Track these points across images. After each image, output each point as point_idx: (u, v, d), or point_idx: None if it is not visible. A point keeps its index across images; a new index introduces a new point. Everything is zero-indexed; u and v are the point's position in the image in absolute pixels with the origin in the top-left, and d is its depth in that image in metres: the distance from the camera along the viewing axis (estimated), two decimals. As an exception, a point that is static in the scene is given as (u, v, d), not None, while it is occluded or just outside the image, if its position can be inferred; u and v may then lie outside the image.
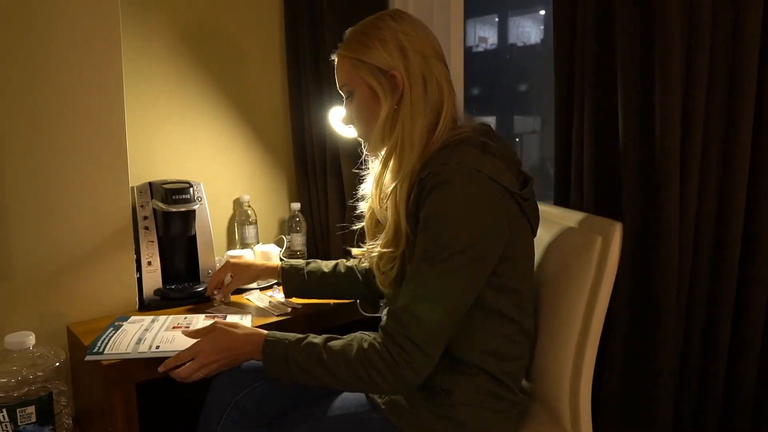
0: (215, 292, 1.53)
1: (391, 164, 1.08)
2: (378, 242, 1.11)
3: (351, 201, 1.32)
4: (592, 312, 1.09)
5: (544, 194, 2.13)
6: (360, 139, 1.19)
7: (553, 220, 1.23)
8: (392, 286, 1.11)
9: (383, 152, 1.10)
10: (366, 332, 1.04)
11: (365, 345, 0.99)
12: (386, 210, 1.10)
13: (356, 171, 1.24)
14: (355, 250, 1.28)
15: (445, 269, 0.97)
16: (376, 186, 1.14)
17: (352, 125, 1.18)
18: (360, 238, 1.25)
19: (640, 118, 1.19)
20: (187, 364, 1.12)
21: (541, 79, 2.83)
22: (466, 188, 0.98)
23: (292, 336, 1.07)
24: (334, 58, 1.15)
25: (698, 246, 1.18)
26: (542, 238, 1.22)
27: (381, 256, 1.11)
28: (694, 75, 1.13)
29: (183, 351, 1.13)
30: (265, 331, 1.10)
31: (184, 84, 1.83)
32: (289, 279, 1.44)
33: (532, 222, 1.10)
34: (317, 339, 1.04)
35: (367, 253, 1.21)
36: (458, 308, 1.00)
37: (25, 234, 1.41)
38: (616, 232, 1.09)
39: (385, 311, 1.15)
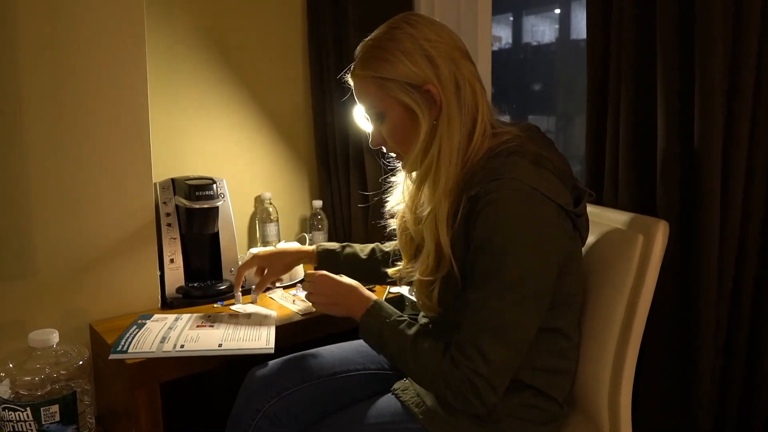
0: (252, 290, 1.40)
1: (428, 182, 0.99)
2: (416, 266, 1.04)
3: (379, 222, 1.26)
4: (633, 313, 1.05)
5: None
6: (390, 155, 1.11)
7: (590, 219, 1.19)
8: (436, 310, 1.04)
9: (420, 170, 1.01)
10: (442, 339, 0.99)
11: (445, 363, 0.95)
12: (423, 231, 1.01)
13: (375, 192, 1.19)
14: (390, 270, 1.20)
15: (512, 301, 0.91)
16: (410, 205, 1.06)
17: (383, 146, 1.08)
18: (395, 257, 1.20)
19: (680, 117, 1.15)
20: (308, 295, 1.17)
21: (556, 79, 2.80)
22: (525, 212, 0.91)
23: (390, 314, 1.06)
24: (349, 80, 1.06)
25: (742, 249, 1.14)
26: (578, 237, 1.18)
27: (420, 282, 1.03)
28: (739, 75, 1.08)
29: (308, 273, 1.19)
30: (372, 297, 1.10)
31: (206, 81, 1.81)
32: (326, 264, 1.35)
33: (583, 236, 1.06)
34: (410, 330, 1.02)
35: (402, 274, 1.14)
36: (526, 338, 0.95)
37: (49, 231, 1.39)
38: (660, 230, 1.05)
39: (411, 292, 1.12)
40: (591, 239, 1.15)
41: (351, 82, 1.06)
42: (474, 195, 0.93)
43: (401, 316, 1.06)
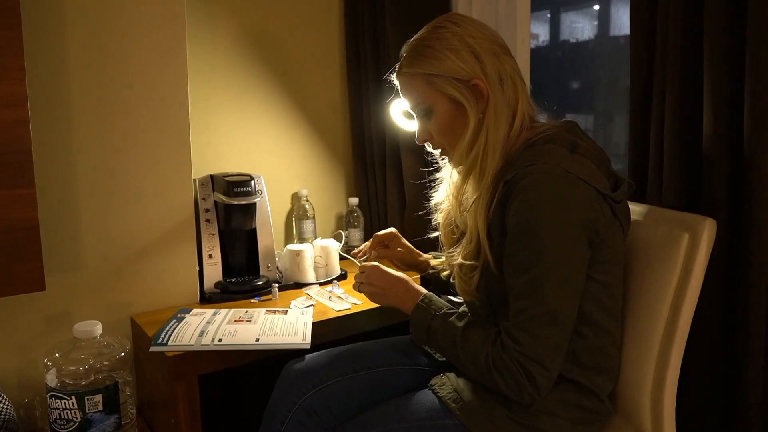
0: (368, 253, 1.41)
1: (473, 173, 1.03)
2: (458, 250, 1.07)
3: (419, 212, 1.31)
4: (678, 314, 1.02)
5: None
6: (435, 151, 1.15)
7: (633, 217, 1.16)
8: (473, 294, 1.07)
9: (466, 162, 1.04)
10: (490, 327, 1.01)
11: (495, 350, 0.96)
12: (467, 218, 1.06)
13: (420, 181, 1.23)
14: (434, 261, 1.25)
15: (556, 283, 0.92)
16: (456, 196, 1.10)
17: (429, 142, 1.12)
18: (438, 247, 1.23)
19: (729, 112, 1.11)
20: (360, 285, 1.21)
21: (595, 76, 2.74)
22: (558, 193, 0.92)
23: (439, 307, 1.08)
24: (395, 78, 1.10)
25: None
26: (620, 235, 1.15)
27: (461, 265, 1.06)
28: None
29: (362, 265, 1.23)
30: (423, 290, 1.13)
31: (245, 79, 1.83)
32: (431, 280, 1.38)
33: (624, 225, 1.04)
34: (460, 322, 1.03)
35: (447, 261, 1.18)
36: (570, 317, 0.96)
37: (95, 227, 1.43)
38: (706, 228, 1.01)
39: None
40: (635, 237, 1.12)
41: (397, 81, 1.10)
42: (510, 180, 0.96)
43: (451, 309, 1.07)
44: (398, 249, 1.41)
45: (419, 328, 1.08)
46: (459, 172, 1.07)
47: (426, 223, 1.26)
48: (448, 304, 1.09)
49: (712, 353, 1.16)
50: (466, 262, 1.04)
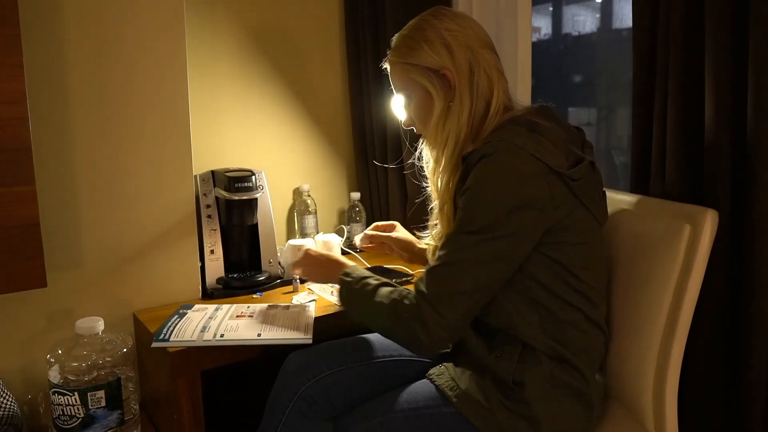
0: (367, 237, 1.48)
1: (444, 155, 1.11)
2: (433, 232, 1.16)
3: (418, 199, 1.37)
4: (680, 307, 1.01)
5: (613, 183, 2.02)
6: (420, 135, 1.22)
7: (634, 209, 1.16)
8: None
9: (437, 145, 1.13)
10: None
11: (399, 296, 1.03)
12: (441, 200, 1.14)
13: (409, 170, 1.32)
14: (422, 242, 1.31)
15: (474, 240, 0.97)
16: (432, 179, 1.18)
17: (413, 126, 1.20)
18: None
19: (731, 104, 1.10)
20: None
21: (597, 69, 2.73)
22: (504, 163, 0.97)
23: (362, 274, 1.14)
24: (386, 66, 1.18)
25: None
26: (619, 226, 1.14)
27: (436, 246, 1.13)
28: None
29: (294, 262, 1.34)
30: (349, 263, 1.21)
31: (246, 75, 1.83)
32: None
33: (588, 206, 1.03)
34: (375, 281, 1.10)
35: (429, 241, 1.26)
36: (484, 280, 0.99)
37: (96, 224, 1.43)
38: (708, 220, 1.01)
39: None
40: (636, 229, 1.12)
41: (387, 68, 1.19)
42: (467, 156, 1.04)
43: (371, 276, 1.12)
44: (397, 236, 1.45)
45: (342, 291, 1.15)
46: (432, 157, 1.17)
47: (425, 211, 1.28)
48: (372, 274, 1.14)
49: (714, 345, 1.15)
50: (440, 242, 1.08)
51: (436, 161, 1.15)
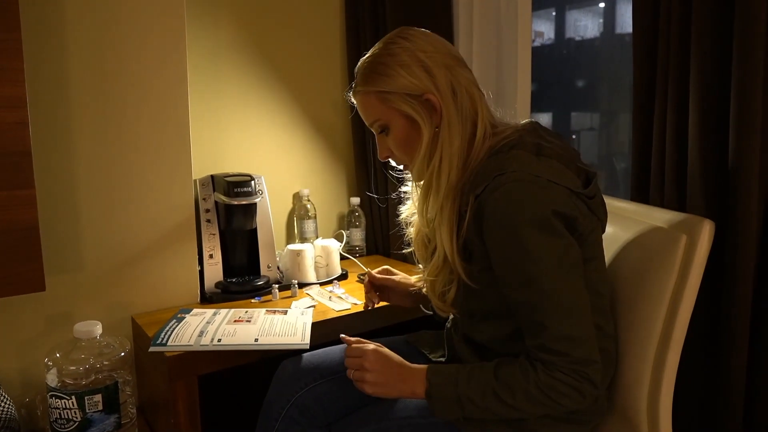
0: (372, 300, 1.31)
1: (433, 186, 1.01)
2: (428, 267, 1.05)
3: (392, 231, 1.28)
4: (675, 316, 1.01)
5: (613, 189, 2.02)
6: (399, 166, 1.12)
7: (632, 217, 1.16)
8: (449, 310, 1.06)
9: (426, 175, 1.02)
10: (518, 359, 0.96)
11: (541, 374, 0.92)
12: (434, 231, 1.03)
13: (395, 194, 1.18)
14: (413, 278, 1.21)
15: (558, 284, 0.91)
16: (421, 209, 1.06)
17: (390, 158, 1.10)
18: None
19: (716, 116, 1.12)
20: (356, 373, 1.04)
21: (599, 75, 2.73)
22: (531, 198, 0.90)
23: (454, 371, 0.98)
24: (351, 97, 1.09)
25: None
26: (618, 235, 1.15)
27: (434, 282, 1.05)
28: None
29: (356, 347, 1.05)
30: (422, 366, 1.01)
31: (246, 80, 1.84)
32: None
33: (601, 219, 1.03)
34: (485, 372, 0.96)
35: (423, 277, 1.13)
36: (586, 303, 0.94)
37: (95, 227, 1.44)
38: (705, 230, 1.00)
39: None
40: (632, 237, 1.12)
41: (354, 99, 1.09)
42: (480, 192, 0.94)
43: (463, 367, 0.99)
44: (395, 285, 1.29)
45: (446, 404, 0.96)
46: (419, 187, 1.05)
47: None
48: (454, 365, 1.01)
49: (701, 357, 1.17)
50: (438, 278, 1.02)
51: (426, 192, 1.03)
